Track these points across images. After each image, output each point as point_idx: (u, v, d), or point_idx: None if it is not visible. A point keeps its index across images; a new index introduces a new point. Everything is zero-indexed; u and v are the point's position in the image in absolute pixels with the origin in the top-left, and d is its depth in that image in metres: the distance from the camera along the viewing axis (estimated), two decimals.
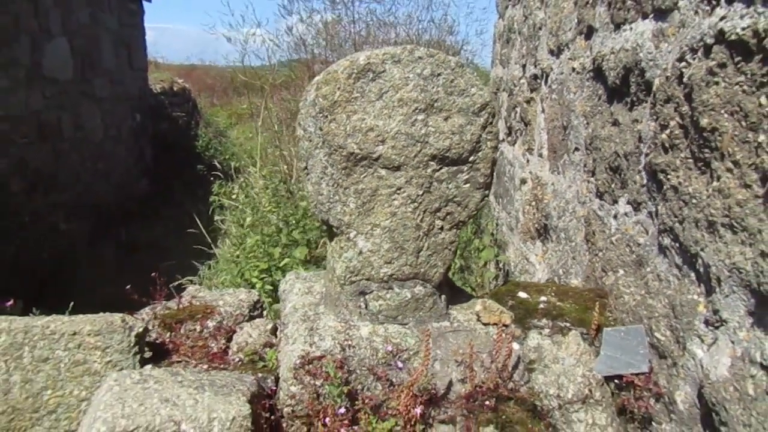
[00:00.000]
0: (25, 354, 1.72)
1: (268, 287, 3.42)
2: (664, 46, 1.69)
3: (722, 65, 1.33)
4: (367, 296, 1.84)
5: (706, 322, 1.43)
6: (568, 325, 1.95)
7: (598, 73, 2.25)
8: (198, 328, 2.09)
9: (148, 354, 1.89)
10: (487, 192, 1.82)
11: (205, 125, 10.56)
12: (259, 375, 1.81)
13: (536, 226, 3.21)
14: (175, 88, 9.82)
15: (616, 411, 1.74)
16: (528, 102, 3.59)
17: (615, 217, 2.07)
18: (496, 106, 4.29)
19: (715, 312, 1.38)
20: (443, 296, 1.90)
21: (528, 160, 3.58)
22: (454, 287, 2.19)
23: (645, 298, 1.78)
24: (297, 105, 1.96)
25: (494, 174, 1.85)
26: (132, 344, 1.79)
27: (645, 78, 1.80)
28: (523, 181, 3.65)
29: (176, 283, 3.54)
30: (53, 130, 5.72)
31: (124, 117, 7.48)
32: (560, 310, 2.01)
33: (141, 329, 1.83)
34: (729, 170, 1.32)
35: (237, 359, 1.97)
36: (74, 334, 1.75)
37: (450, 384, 1.72)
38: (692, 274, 1.52)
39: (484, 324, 1.87)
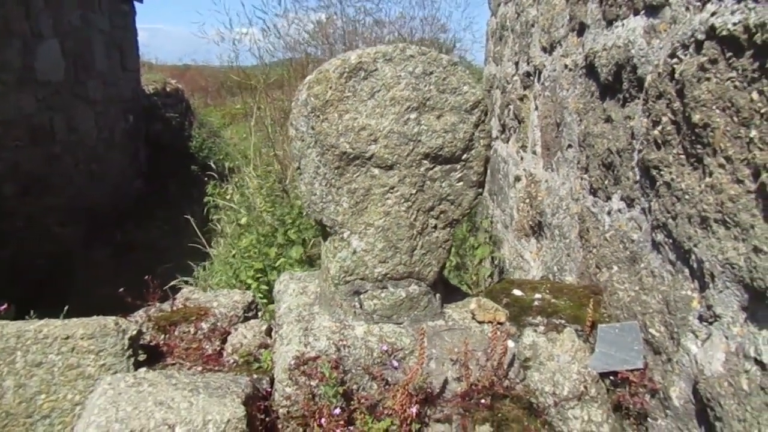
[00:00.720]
0: (17, 359, 1.71)
1: (264, 287, 3.41)
2: (655, 43, 1.69)
3: (714, 61, 1.33)
4: (361, 296, 1.83)
5: (700, 318, 1.44)
6: (562, 322, 1.95)
7: (590, 70, 2.25)
8: (192, 330, 2.08)
9: (142, 357, 1.88)
10: (480, 190, 1.82)
11: (199, 126, 10.53)
12: (254, 376, 1.80)
13: (530, 223, 3.21)
14: (168, 89, 9.78)
15: (612, 407, 1.74)
16: (521, 99, 3.59)
17: (608, 213, 2.07)
18: (489, 104, 4.28)
19: (709, 307, 1.38)
20: (438, 295, 1.90)
21: (522, 158, 3.58)
22: (449, 285, 2.19)
23: (639, 294, 1.78)
24: (290, 105, 1.95)
25: (488, 172, 1.85)
26: (125, 347, 1.79)
27: (637, 74, 1.80)
28: (517, 179, 3.66)
29: (171, 284, 3.53)
30: (46, 132, 5.68)
31: (117, 119, 7.44)
32: (555, 307, 2.01)
33: (134, 332, 1.83)
34: (721, 166, 1.32)
35: (232, 361, 1.96)
36: (67, 337, 1.74)
37: (445, 383, 1.71)
38: (686, 270, 1.52)
39: (479, 322, 1.87)
